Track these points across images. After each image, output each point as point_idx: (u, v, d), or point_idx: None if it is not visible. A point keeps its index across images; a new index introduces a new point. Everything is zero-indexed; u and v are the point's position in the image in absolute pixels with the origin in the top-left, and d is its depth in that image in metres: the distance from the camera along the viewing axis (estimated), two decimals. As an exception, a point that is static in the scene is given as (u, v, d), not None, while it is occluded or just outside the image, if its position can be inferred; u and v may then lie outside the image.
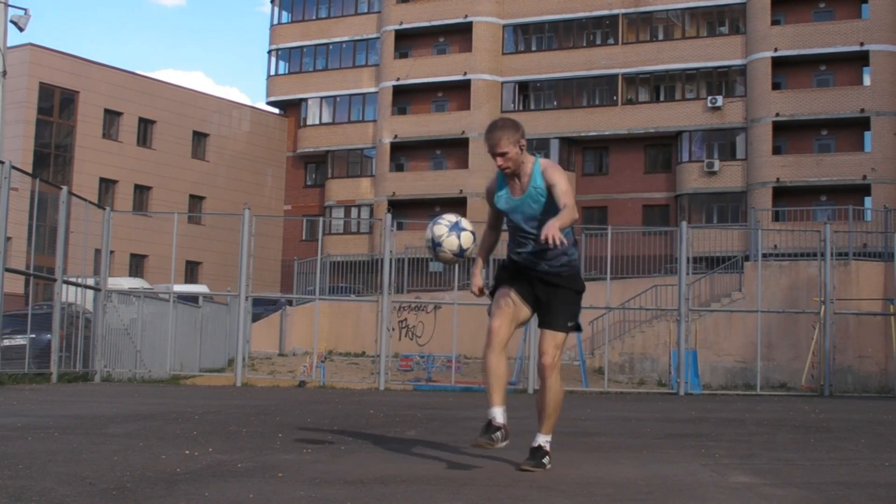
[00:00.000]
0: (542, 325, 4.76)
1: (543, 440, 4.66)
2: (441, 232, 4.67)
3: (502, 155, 4.59)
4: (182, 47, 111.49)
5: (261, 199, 42.03)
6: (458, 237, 4.64)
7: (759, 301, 15.87)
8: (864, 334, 18.19)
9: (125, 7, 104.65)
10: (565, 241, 4.40)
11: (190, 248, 35.66)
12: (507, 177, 4.73)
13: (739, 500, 3.87)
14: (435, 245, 4.68)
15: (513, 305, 4.74)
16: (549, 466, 4.59)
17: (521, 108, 40.82)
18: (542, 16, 40.52)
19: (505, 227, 4.92)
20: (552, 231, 4.27)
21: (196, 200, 41.40)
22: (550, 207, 4.60)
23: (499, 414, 4.55)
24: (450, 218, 4.71)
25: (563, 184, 4.59)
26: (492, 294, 4.88)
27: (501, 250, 4.91)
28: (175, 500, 3.57)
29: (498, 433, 4.52)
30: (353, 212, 43.09)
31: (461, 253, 4.66)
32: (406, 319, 23.29)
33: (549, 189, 4.61)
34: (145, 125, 39.97)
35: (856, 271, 18.73)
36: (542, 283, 4.76)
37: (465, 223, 4.68)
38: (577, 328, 4.82)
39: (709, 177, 37.12)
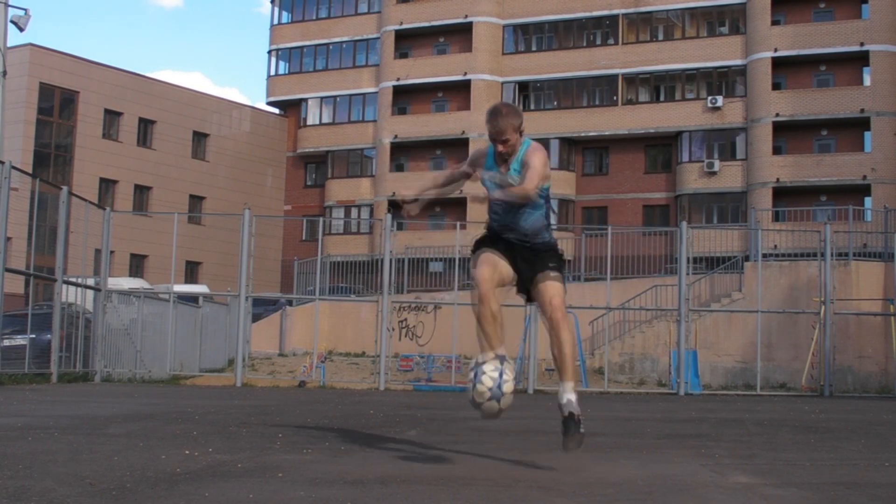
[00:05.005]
0: (536, 278, 4.76)
1: (570, 394, 4.57)
2: (483, 392, 4.52)
3: (504, 142, 4.70)
4: (180, 48, 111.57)
5: (261, 199, 42.02)
6: (499, 402, 4.52)
7: (759, 301, 15.87)
8: (864, 334, 18.19)
9: (124, 8, 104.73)
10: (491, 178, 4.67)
11: (190, 248, 35.65)
12: (497, 157, 4.81)
13: (739, 500, 3.86)
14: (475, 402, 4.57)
15: (495, 260, 4.78)
16: (583, 430, 4.56)
17: (521, 108, 40.80)
18: (542, 16, 40.53)
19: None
20: (491, 175, 4.63)
21: (196, 200, 41.40)
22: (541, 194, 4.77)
23: (500, 350, 4.62)
24: (493, 375, 4.53)
25: (536, 165, 4.63)
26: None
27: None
28: (175, 500, 3.57)
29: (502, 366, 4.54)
30: (353, 212, 43.09)
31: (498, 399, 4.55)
32: (406, 319, 23.28)
33: (523, 167, 4.69)
34: (145, 125, 39.97)
35: (856, 271, 18.72)
36: (524, 251, 4.83)
37: (506, 387, 4.53)
38: (563, 275, 4.84)
39: (709, 177, 37.12)
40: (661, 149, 39.39)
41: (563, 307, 4.70)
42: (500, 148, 4.71)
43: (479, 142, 40.11)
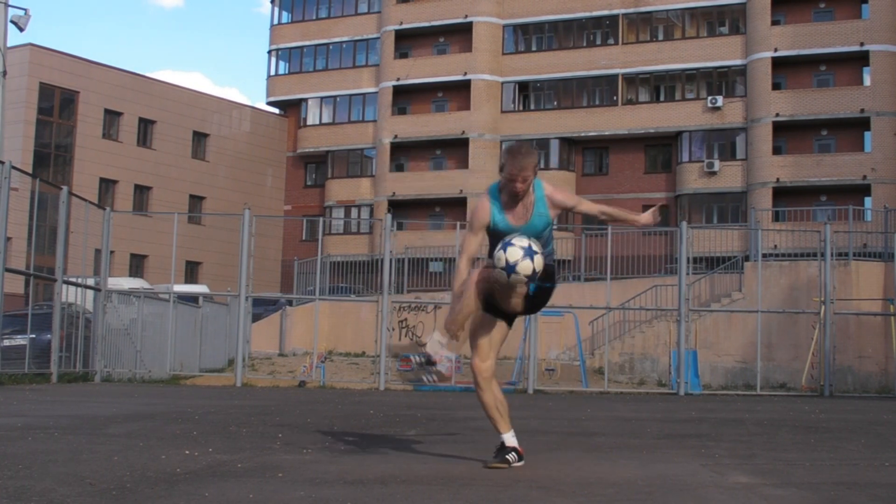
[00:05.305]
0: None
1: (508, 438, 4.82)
2: (516, 257, 4.56)
3: (525, 180, 4.73)
4: (180, 48, 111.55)
5: (261, 199, 42.00)
6: (532, 260, 4.55)
7: (759, 301, 15.87)
8: (864, 334, 18.18)
9: (124, 8, 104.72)
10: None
11: (190, 248, 35.64)
12: (506, 202, 4.80)
13: (739, 500, 3.87)
14: (510, 269, 4.57)
15: (489, 334, 4.89)
16: None
17: (521, 108, 40.81)
18: (542, 16, 40.51)
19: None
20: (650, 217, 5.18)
21: (196, 200, 41.39)
22: (550, 232, 4.91)
23: (509, 438, 4.78)
24: (522, 243, 4.59)
25: (575, 199, 5.02)
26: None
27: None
28: (175, 500, 3.57)
29: (512, 454, 4.73)
30: (353, 212, 43.07)
31: (534, 276, 4.60)
32: (406, 319, 23.27)
33: (568, 210, 4.95)
34: (145, 125, 39.96)
35: (856, 271, 18.72)
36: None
37: (535, 246, 4.61)
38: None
39: (709, 177, 37.11)
40: (661, 149, 39.38)
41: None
42: (520, 185, 4.71)
43: (478, 141, 40.13)
